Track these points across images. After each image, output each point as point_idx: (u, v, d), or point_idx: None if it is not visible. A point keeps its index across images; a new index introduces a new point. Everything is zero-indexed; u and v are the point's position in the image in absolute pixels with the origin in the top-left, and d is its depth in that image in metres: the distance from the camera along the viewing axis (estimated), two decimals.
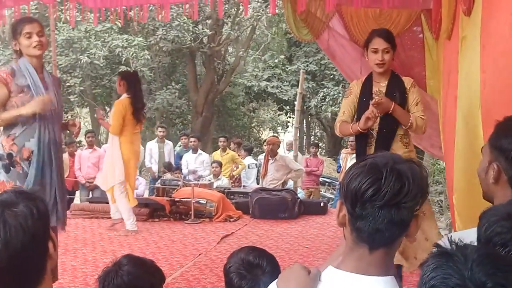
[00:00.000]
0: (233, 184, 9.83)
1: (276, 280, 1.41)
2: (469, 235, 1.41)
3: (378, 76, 3.90)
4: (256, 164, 9.91)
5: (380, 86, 3.88)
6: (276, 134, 10.39)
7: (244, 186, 9.92)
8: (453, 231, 4.20)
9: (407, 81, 3.92)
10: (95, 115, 6.79)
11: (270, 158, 8.98)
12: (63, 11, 13.10)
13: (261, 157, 10.30)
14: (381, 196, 1.26)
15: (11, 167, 3.60)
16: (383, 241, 1.30)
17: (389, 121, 3.76)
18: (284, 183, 9.10)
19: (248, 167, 10.04)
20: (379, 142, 3.76)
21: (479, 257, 1.03)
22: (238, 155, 10.54)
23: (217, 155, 10.45)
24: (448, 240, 1.10)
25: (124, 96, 6.39)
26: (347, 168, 3.43)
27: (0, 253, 1.34)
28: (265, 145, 10.53)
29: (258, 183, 9.33)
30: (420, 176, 1.30)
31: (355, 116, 3.89)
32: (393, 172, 1.27)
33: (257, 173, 10.25)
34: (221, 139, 10.87)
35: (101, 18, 6.70)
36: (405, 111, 3.76)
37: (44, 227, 1.42)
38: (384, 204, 1.26)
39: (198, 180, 9.03)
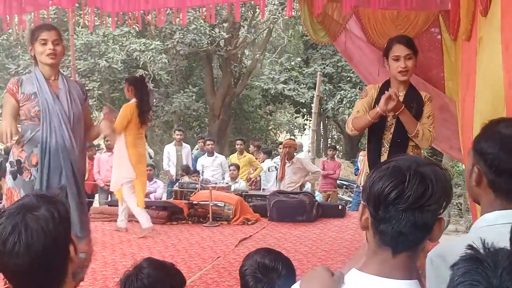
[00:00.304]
0: (251, 187, 9.83)
1: (299, 281, 1.41)
2: (455, 247, 1.38)
3: (397, 84, 3.79)
4: (275, 167, 9.86)
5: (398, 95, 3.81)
6: (292, 137, 10.32)
7: (263, 189, 9.88)
8: None
9: (424, 94, 3.87)
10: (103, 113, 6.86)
11: (287, 161, 8.94)
12: (82, 15, 13.26)
13: (276, 159, 10.26)
14: (405, 199, 1.25)
15: (18, 174, 3.60)
16: (406, 245, 1.30)
17: (403, 131, 3.69)
18: (302, 185, 9.04)
19: (268, 170, 9.96)
20: (391, 152, 3.69)
21: (510, 264, 1.01)
22: (256, 158, 10.54)
23: (234, 158, 10.47)
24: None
25: (133, 100, 6.54)
26: (369, 171, 3.40)
27: (22, 256, 1.37)
28: (280, 148, 10.54)
29: (278, 186, 9.29)
30: (444, 179, 1.30)
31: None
32: (417, 175, 1.26)
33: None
34: (238, 142, 10.88)
35: (118, 22, 6.74)
36: (414, 119, 3.68)
37: (65, 230, 1.44)
38: (407, 207, 1.26)
39: (216, 183, 9.05)
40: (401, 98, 3.70)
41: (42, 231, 1.38)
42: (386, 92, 3.56)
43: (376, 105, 3.65)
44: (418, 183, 1.25)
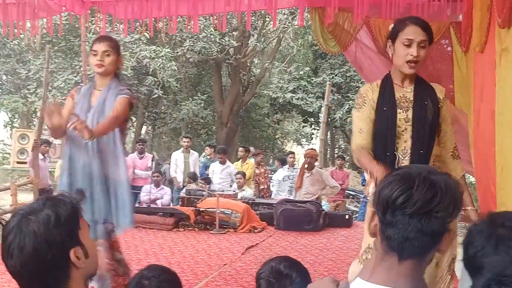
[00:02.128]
0: (263, 195, 9.83)
1: None
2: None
3: (402, 78, 3.01)
4: (289, 177, 9.77)
5: (404, 91, 2.99)
6: (313, 148, 10.25)
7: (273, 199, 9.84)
8: None
9: (439, 89, 3.13)
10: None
11: (306, 171, 8.90)
12: (94, 22, 13.35)
13: (285, 168, 10.23)
14: (412, 203, 1.26)
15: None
16: (412, 251, 1.29)
17: (423, 137, 2.95)
18: (318, 198, 8.93)
19: (283, 180, 9.88)
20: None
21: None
22: (246, 163, 10.48)
23: (238, 165, 10.48)
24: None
25: None
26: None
27: (15, 258, 1.42)
28: (290, 157, 10.51)
29: (294, 196, 9.17)
30: (454, 188, 1.30)
31: (375, 130, 2.99)
32: (426, 182, 1.27)
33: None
34: (240, 149, 10.89)
35: (130, 29, 6.80)
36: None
37: (62, 234, 1.44)
38: (414, 212, 1.26)
39: (223, 190, 9.05)
40: (409, 96, 2.98)
41: (33, 234, 1.41)
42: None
43: (384, 108, 2.97)
44: (426, 189, 1.26)
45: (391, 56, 3.01)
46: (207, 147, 11.62)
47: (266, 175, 10.58)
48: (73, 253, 1.46)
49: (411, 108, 2.95)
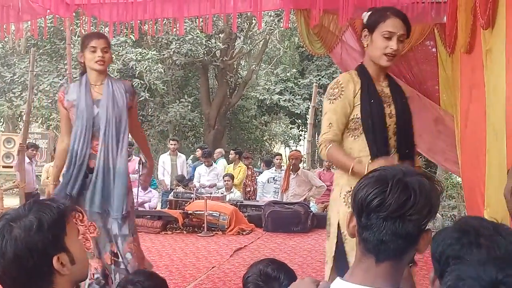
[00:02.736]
0: (248, 196, 9.81)
1: None
2: None
3: (377, 71, 2.83)
4: (274, 178, 9.79)
5: (381, 85, 2.83)
6: (298, 149, 10.29)
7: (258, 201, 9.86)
8: None
9: (405, 87, 3.05)
10: None
11: (291, 172, 8.92)
12: (79, 24, 13.26)
13: (272, 170, 10.23)
14: (385, 207, 1.26)
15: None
16: (388, 253, 1.30)
17: (407, 137, 2.82)
18: (306, 199, 8.95)
19: (267, 181, 9.91)
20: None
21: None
22: (238, 166, 10.51)
23: (230, 168, 10.48)
24: None
25: None
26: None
27: (0, 263, 1.42)
28: (277, 159, 10.52)
29: (281, 198, 9.18)
30: (430, 189, 1.29)
31: (360, 127, 2.74)
32: (400, 184, 1.27)
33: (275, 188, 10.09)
34: (231, 152, 10.92)
35: (115, 32, 6.78)
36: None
37: (45, 241, 1.43)
38: (388, 215, 1.26)
39: (211, 193, 9.04)
40: (386, 91, 2.83)
41: (15, 240, 1.41)
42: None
43: (372, 100, 2.73)
44: (400, 192, 1.26)
45: (365, 46, 2.81)
46: (198, 149, 11.61)
47: (253, 177, 10.58)
48: (56, 260, 1.44)
49: (392, 103, 2.78)
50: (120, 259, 3.61)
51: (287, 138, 25.14)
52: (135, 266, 3.62)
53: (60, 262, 1.45)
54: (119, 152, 3.63)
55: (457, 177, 5.95)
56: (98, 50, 3.64)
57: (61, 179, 3.72)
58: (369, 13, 2.83)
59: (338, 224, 2.75)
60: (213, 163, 10.34)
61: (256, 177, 10.70)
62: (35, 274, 1.44)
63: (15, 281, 1.43)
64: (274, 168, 10.21)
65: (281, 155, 11.38)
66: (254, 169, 11.59)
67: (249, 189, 10.35)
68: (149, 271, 2.59)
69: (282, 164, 10.44)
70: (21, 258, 1.41)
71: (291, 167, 8.89)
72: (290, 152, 9.61)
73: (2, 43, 16.54)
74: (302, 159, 9.95)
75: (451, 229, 1.53)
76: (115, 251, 3.61)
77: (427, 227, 1.32)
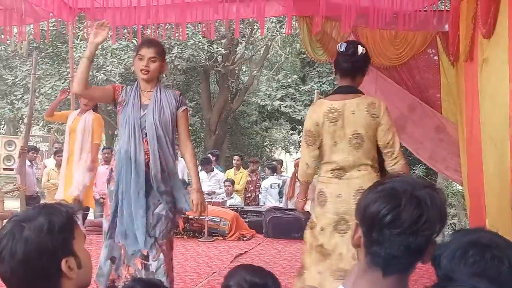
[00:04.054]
0: (249, 202, 9.81)
1: None
2: None
3: None
4: (278, 184, 9.76)
5: None
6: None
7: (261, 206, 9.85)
8: None
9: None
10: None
11: (297, 180, 8.91)
12: (81, 28, 13.28)
13: (277, 175, 10.22)
14: (400, 223, 1.25)
15: (107, 183, 3.78)
16: (398, 268, 1.29)
17: None
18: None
19: (271, 187, 9.89)
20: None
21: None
22: (256, 171, 10.49)
23: (231, 173, 10.47)
24: None
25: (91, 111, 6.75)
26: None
27: (6, 263, 1.41)
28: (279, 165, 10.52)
29: (286, 205, 9.17)
30: (439, 203, 1.29)
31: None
32: (412, 200, 1.26)
33: (279, 193, 10.09)
34: (236, 157, 10.89)
35: (118, 36, 6.80)
36: None
37: (54, 243, 1.43)
38: (402, 231, 1.25)
39: (212, 198, 9.04)
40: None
41: (25, 241, 1.40)
42: None
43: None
44: (414, 208, 1.25)
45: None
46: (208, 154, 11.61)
47: (258, 184, 10.55)
48: (64, 262, 1.44)
49: None
50: (150, 263, 3.59)
51: (288, 144, 25.14)
52: (164, 271, 3.60)
53: (68, 266, 1.45)
54: (162, 160, 3.63)
55: (457, 185, 5.94)
56: (145, 59, 3.63)
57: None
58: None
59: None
60: (214, 168, 10.31)
61: (260, 183, 10.71)
62: (43, 276, 1.43)
63: (22, 282, 1.43)
64: (276, 174, 10.24)
65: (282, 161, 11.36)
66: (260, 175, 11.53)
67: (249, 195, 10.34)
68: (150, 280, 2.53)
69: (282, 170, 10.42)
70: (31, 259, 1.40)
71: (297, 174, 8.89)
72: (296, 160, 9.59)
73: (4, 46, 16.57)
74: None
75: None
76: (146, 254, 3.59)
77: None
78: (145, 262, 3.59)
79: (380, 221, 1.27)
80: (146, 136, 3.61)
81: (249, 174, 10.53)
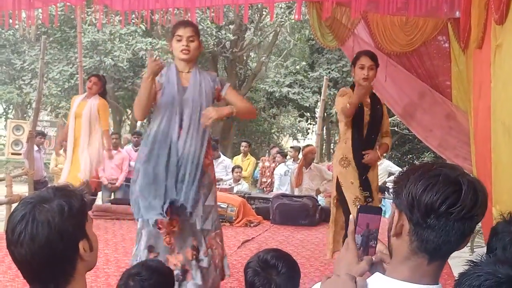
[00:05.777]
0: (265, 190, 9.84)
1: (319, 283, 1.41)
2: None
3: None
4: (291, 171, 9.80)
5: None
6: (311, 144, 10.29)
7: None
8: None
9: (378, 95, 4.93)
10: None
11: (304, 167, 8.95)
12: (89, 13, 13.25)
13: (290, 162, 10.21)
14: (460, 209, 1.26)
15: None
16: (444, 253, 1.32)
17: (375, 130, 4.80)
18: (318, 192, 8.95)
19: (284, 174, 9.87)
20: (366, 146, 4.75)
21: None
22: (248, 159, 10.50)
23: (238, 159, 10.46)
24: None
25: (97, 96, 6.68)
26: (354, 158, 4.75)
27: (26, 246, 1.38)
28: (290, 151, 10.51)
29: (292, 192, 9.20)
30: (483, 188, 1.32)
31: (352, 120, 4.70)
32: (470, 185, 1.28)
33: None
34: (243, 143, 10.87)
35: (126, 21, 6.77)
36: None
37: (74, 225, 1.43)
38: (462, 216, 1.27)
39: (219, 184, 9.04)
40: (367, 100, 4.76)
41: (48, 223, 1.38)
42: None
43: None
44: (472, 193, 1.28)
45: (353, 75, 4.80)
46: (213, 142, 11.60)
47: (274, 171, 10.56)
48: (81, 245, 1.45)
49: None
50: (201, 255, 3.57)
51: (295, 131, 25.12)
52: (213, 263, 3.60)
53: (83, 248, 1.45)
54: (200, 143, 3.62)
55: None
56: (184, 39, 3.62)
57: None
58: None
59: (337, 177, 4.97)
60: (221, 155, 10.30)
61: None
62: (62, 259, 1.43)
63: (42, 265, 1.41)
64: (291, 160, 10.27)
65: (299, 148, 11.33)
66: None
67: (265, 179, 10.34)
68: (154, 264, 2.55)
69: (298, 158, 10.42)
70: (52, 242, 1.39)
71: (304, 161, 8.93)
72: (305, 147, 9.57)
73: (13, 31, 16.58)
74: (315, 153, 9.97)
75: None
76: (197, 246, 3.57)
77: None
78: (195, 254, 3.58)
79: (438, 208, 1.27)
80: (182, 118, 3.58)
81: (267, 160, 10.53)
